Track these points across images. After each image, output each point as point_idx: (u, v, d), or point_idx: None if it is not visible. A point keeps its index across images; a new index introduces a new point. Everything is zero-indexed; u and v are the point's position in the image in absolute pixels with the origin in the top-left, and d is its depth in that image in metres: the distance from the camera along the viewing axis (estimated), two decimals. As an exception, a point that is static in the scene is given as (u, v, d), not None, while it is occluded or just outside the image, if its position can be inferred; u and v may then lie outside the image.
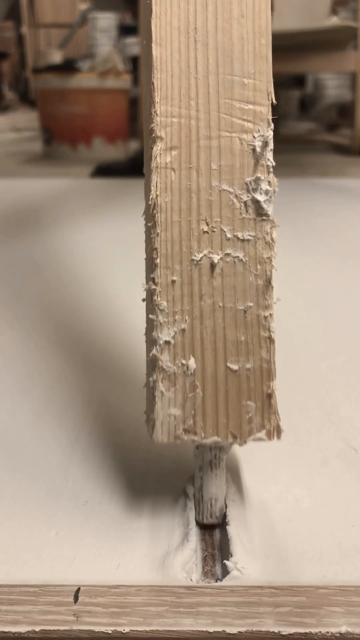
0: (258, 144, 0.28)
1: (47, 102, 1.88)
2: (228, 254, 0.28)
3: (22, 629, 0.22)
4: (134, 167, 1.45)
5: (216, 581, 0.25)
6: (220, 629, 0.22)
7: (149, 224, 0.28)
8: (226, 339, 0.28)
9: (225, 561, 0.25)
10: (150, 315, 0.28)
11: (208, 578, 0.25)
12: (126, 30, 2.87)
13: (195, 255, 0.28)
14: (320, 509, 0.29)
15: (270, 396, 0.27)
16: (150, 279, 0.28)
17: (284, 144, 2.35)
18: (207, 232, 0.28)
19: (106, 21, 3.10)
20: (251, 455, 0.33)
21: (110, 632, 0.22)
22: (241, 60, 0.28)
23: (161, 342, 0.27)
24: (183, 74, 0.28)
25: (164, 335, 0.27)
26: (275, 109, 0.29)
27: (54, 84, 1.84)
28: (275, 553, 0.26)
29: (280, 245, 0.29)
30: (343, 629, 0.22)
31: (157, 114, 0.28)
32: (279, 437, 0.27)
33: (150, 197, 0.28)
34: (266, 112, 0.28)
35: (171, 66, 0.28)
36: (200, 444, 0.27)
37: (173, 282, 0.28)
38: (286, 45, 1.66)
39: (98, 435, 0.35)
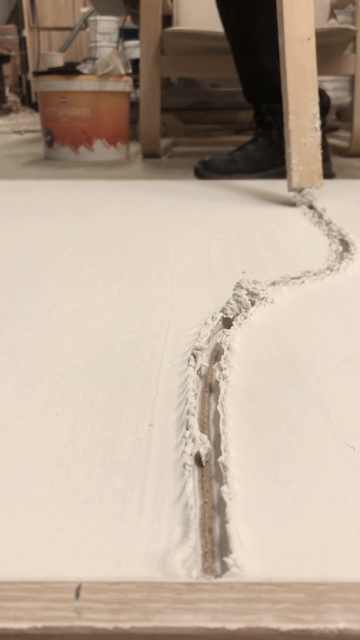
0: (315, 112, 1.04)
1: (48, 105, 1.88)
2: (311, 136, 1.05)
3: (24, 625, 0.22)
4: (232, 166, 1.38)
5: (215, 578, 0.25)
6: (219, 625, 0.22)
7: (287, 129, 1.05)
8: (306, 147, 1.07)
9: (224, 558, 0.25)
10: (287, 139, 1.05)
11: (207, 574, 0.25)
12: (127, 33, 2.87)
13: (302, 140, 1.05)
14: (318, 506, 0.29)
15: (318, 170, 1.06)
16: (287, 128, 1.05)
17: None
18: (302, 130, 1.05)
19: (107, 24, 3.11)
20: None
21: (111, 628, 0.22)
22: (310, 90, 1.05)
23: (290, 150, 1.05)
24: (295, 95, 1.05)
25: (292, 144, 1.05)
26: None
27: (56, 87, 1.84)
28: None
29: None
30: (341, 625, 0.22)
31: (289, 104, 1.04)
32: (322, 183, 1.06)
33: (288, 126, 1.05)
34: (317, 103, 1.04)
35: (292, 91, 1.05)
36: (301, 187, 1.04)
37: (290, 130, 1.05)
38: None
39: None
